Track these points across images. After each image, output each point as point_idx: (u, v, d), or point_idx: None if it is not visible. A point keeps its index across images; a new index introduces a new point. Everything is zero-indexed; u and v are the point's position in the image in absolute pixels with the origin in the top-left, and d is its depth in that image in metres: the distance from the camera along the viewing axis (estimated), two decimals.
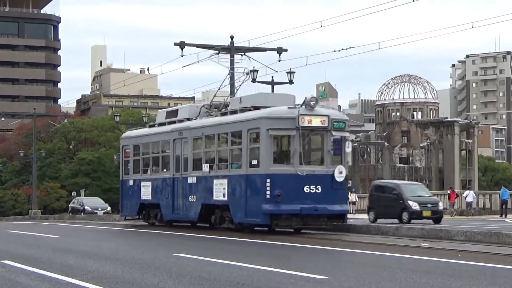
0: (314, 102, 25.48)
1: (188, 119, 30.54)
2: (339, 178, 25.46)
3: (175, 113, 32.09)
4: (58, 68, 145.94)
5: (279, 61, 40.15)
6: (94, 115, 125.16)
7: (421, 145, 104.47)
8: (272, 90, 46.95)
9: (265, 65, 40.69)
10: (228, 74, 30.12)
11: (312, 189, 25.12)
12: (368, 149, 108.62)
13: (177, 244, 22.42)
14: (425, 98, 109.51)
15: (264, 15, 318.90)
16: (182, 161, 29.96)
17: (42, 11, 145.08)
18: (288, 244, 21.55)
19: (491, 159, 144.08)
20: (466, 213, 49.79)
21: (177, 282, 12.85)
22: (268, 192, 24.96)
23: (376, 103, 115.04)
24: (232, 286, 12.30)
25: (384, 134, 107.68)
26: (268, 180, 25.02)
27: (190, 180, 29.29)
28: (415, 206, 33.86)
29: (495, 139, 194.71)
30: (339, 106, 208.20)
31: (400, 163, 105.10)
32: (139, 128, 37.57)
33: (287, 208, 25.00)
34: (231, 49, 38.24)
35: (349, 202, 52.04)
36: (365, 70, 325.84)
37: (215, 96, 31.18)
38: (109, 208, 62.65)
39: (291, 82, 44.32)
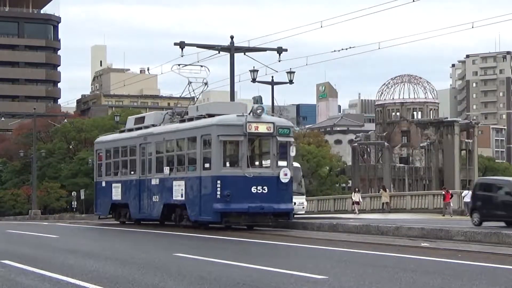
0: (260, 111, 27.76)
1: (153, 125, 33.09)
2: (284, 179, 27.78)
3: (142, 119, 34.71)
4: (58, 68, 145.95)
5: (279, 61, 40.14)
6: (94, 115, 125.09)
7: (421, 145, 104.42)
8: (272, 90, 47.16)
9: (265, 65, 40.79)
10: (188, 84, 33.19)
11: (259, 190, 27.44)
12: (368, 149, 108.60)
13: (177, 244, 22.43)
14: (425, 98, 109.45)
15: (264, 15, 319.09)
16: (147, 164, 32.52)
17: (42, 11, 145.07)
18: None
19: (491, 159, 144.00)
20: (466, 213, 49.72)
21: (177, 282, 12.86)
22: (218, 192, 27.31)
23: (376, 103, 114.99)
24: (232, 286, 12.31)
25: (384, 134, 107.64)
26: (218, 182, 27.40)
27: (153, 182, 31.85)
28: None
29: (495, 139, 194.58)
30: (339, 106, 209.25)
31: (400, 163, 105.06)
32: (112, 134, 40.19)
33: (236, 206, 27.31)
34: (231, 49, 38.22)
35: (353, 202, 52.15)
36: (365, 70, 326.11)
37: (176, 104, 34.19)
38: None
39: (291, 82, 44.36)
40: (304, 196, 39.16)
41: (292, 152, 28.49)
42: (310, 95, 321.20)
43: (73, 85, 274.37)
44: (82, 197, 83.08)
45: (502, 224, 29.14)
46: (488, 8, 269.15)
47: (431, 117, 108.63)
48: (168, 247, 21.53)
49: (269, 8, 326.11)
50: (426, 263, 16.02)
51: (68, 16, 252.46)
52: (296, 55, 43.84)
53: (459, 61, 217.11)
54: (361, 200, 53.84)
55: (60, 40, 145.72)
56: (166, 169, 30.80)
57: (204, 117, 29.38)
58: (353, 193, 54.67)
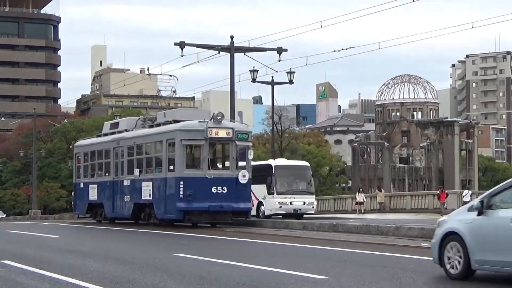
0: (220, 117, 30.18)
1: (126, 130, 35.53)
2: (243, 180, 30.13)
3: (116, 125, 37.48)
4: (58, 68, 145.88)
5: (279, 61, 40.28)
6: (94, 115, 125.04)
7: (421, 145, 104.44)
8: (272, 90, 47.29)
9: (265, 65, 40.94)
10: (158, 92, 36.94)
11: (219, 190, 29.84)
12: (368, 149, 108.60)
13: (177, 244, 22.45)
14: (425, 98, 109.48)
15: (264, 15, 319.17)
16: (120, 167, 34.92)
17: (42, 11, 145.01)
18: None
19: (491, 159, 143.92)
20: None
21: (177, 282, 12.87)
22: (181, 192, 29.62)
23: (376, 103, 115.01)
24: (232, 286, 12.31)
25: (384, 134, 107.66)
26: (181, 182, 29.68)
27: (125, 183, 34.25)
28: None
29: (495, 139, 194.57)
30: (339, 106, 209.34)
31: (400, 163, 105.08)
32: (90, 138, 43.23)
33: (198, 205, 29.71)
34: (231, 49, 38.26)
35: (356, 202, 52.06)
36: (365, 70, 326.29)
37: (147, 110, 37.84)
38: None
39: (291, 82, 44.42)
40: (314, 196, 38.60)
41: (250, 155, 30.82)
42: (310, 95, 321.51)
43: (73, 85, 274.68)
44: None
45: None
46: (488, 8, 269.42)
47: (431, 117, 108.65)
48: (168, 247, 21.54)
49: (269, 8, 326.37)
50: (426, 263, 16.02)
51: (68, 16, 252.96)
52: (296, 55, 44.06)
53: (459, 61, 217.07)
54: (364, 200, 53.86)
55: (60, 40, 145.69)
56: (136, 171, 33.26)
57: (170, 123, 31.65)
58: (357, 193, 54.65)
